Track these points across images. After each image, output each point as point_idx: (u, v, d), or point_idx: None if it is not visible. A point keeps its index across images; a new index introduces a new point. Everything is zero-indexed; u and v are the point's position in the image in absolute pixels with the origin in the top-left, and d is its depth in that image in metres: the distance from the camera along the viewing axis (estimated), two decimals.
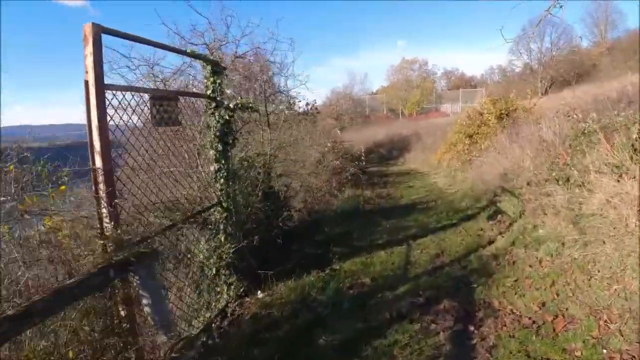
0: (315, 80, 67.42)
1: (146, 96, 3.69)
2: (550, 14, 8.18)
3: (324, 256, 6.08)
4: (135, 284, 2.78)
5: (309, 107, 19.22)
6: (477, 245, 6.35)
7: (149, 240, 3.60)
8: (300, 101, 19.07)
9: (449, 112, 40.81)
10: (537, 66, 40.48)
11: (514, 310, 4.31)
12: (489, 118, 13.16)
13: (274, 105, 8.42)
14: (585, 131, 7.27)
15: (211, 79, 4.49)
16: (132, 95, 3.52)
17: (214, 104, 4.51)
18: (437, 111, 42.58)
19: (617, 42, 39.67)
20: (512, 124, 12.82)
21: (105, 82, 3.12)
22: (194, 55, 4.14)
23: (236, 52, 6.71)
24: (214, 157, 4.56)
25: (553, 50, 40.74)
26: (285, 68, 15.88)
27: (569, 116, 8.51)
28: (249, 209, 5.57)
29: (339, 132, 12.60)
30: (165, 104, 3.89)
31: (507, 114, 13.17)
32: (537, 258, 5.51)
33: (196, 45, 5.01)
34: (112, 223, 3.06)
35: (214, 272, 4.78)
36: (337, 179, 11.16)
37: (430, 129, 23.52)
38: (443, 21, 70.41)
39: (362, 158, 13.41)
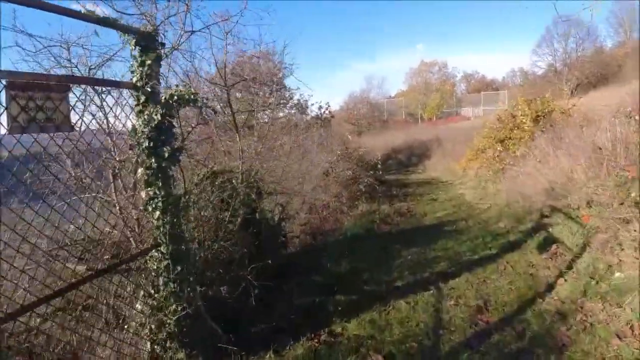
0: (332, 85, 65.65)
1: None
2: None
3: (323, 307, 4.37)
4: None
5: (322, 110, 17.65)
6: (532, 292, 4.56)
7: None
8: (312, 104, 17.61)
9: (469, 115, 38.76)
10: (561, 67, 38.00)
11: None
12: (524, 120, 11.31)
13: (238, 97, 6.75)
14: None
15: (139, 60, 2.87)
16: None
17: (143, 98, 2.88)
18: (457, 115, 40.52)
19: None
20: (551, 127, 11.04)
21: None
22: (99, 20, 2.51)
23: (190, 25, 4.67)
24: (144, 178, 2.93)
25: (578, 51, 38.25)
26: (262, 46, 14.39)
27: (629, 117, 6.75)
28: (216, 245, 3.92)
29: (349, 136, 10.83)
30: (39, 97, 2.28)
31: (543, 116, 11.34)
32: (626, 322, 3.71)
33: (131, 15, 3.38)
34: None
35: (148, 346, 3.15)
36: (349, 192, 9.46)
37: (451, 133, 21.61)
38: (462, 24, 67.98)
39: (379, 166, 11.65)
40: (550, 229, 6.29)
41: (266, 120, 16.44)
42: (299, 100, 18.28)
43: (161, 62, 3.02)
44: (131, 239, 2.95)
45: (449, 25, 68.35)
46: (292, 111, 18.61)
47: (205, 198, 3.82)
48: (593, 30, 37.79)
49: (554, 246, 5.80)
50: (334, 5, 66.26)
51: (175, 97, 2.80)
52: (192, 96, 2.83)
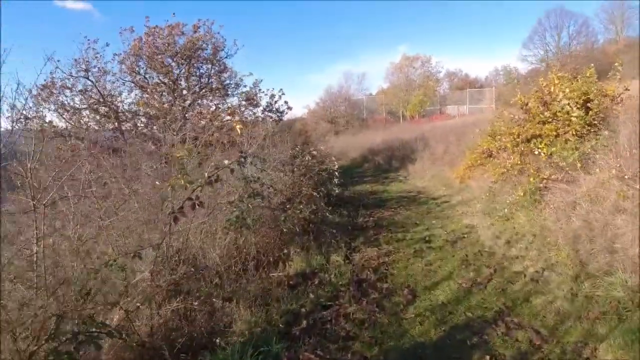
0: (310, 87, 60.65)
1: None
2: None
3: None
4: None
5: (274, 100, 12.74)
6: None
7: None
8: (264, 93, 12.67)
9: (454, 114, 34.27)
10: (554, 62, 33.63)
11: None
12: (568, 108, 6.69)
13: None
14: None
15: None
16: None
17: None
18: (441, 114, 35.92)
19: (633, 40, 33.50)
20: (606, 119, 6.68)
21: None
22: None
23: None
24: None
25: (571, 45, 33.96)
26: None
27: None
28: None
29: (237, 131, 5.94)
30: None
31: (596, 101, 6.84)
32: None
33: None
34: None
35: None
36: (268, 239, 4.66)
37: (438, 133, 16.85)
38: (445, 24, 63.17)
39: (336, 180, 6.85)
40: None
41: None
42: (251, 87, 13.38)
43: None
44: None
45: (432, 25, 63.52)
46: (243, 102, 13.75)
47: None
48: (588, 23, 33.71)
49: None
50: (313, 6, 60.93)
51: None
52: None
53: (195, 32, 11.29)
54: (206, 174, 3.35)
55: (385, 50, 70.64)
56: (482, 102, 34.86)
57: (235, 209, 3.86)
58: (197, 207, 3.21)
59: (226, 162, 3.58)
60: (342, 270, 4.52)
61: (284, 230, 4.69)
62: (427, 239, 5.78)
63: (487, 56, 65.35)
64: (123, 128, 11.27)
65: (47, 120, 10.34)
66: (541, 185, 5.77)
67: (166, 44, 10.73)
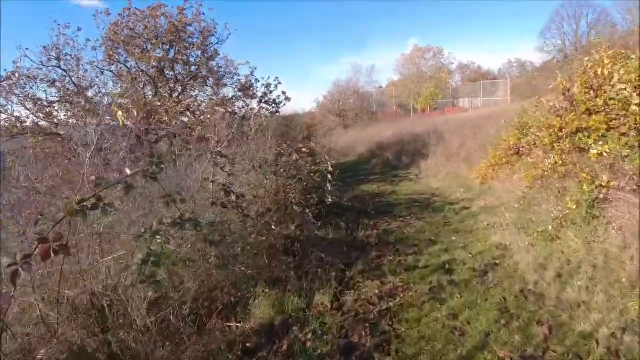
0: (320, 81, 58.85)
1: None
2: None
3: None
4: None
5: (270, 89, 11.27)
6: None
7: None
8: (259, 82, 11.22)
9: (468, 107, 32.48)
10: (572, 52, 31.55)
11: None
12: (626, 93, 5.16)
13: None
14: None
15: None
16: None
17: None
18: (454, 107, 34.13)
19: None
20: None
21: None
22: None
23: None
24: None
25: (590, 34, 31.83)
26: None
27: None
28: None
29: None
30: None
31: None
32: None
33: None
34: None
35: None
36: (226, 274, 3.27)
37: (452, 126, 15.20)
38: (456, 17, 60.69)
39: (328, 184, 5.44)
40: None
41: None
42: (246, 76, 11.97)
43: None
44: None
45: (443, 18, 61.06)
46: (239, 93, 12.37)
47: None
48: (607, 12, 31.54)
49: None
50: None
51: None
52: None
53: (180, 13, 9.89)
54: (77, 197, 1.97)
55: (396, 43, 68.44)
56: (495, 95, 33.12)
57: (152, 246, 2.45)
58: (54, 255, 1.83)
59: (128, 171, 2.19)
60: (326, 324, 3.12)
61: (237, 270, 3.30)
62: (447, 266, 4.32)
63: (500, 48, 62.88)
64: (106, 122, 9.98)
65: (14, 115, 9.13)
66: (601, 195, 4.28)
67: (144, 27, 9.35)
